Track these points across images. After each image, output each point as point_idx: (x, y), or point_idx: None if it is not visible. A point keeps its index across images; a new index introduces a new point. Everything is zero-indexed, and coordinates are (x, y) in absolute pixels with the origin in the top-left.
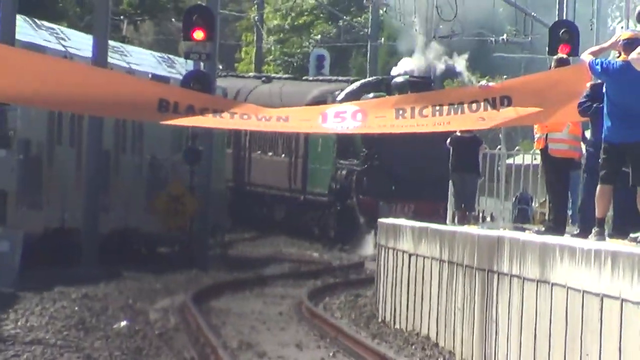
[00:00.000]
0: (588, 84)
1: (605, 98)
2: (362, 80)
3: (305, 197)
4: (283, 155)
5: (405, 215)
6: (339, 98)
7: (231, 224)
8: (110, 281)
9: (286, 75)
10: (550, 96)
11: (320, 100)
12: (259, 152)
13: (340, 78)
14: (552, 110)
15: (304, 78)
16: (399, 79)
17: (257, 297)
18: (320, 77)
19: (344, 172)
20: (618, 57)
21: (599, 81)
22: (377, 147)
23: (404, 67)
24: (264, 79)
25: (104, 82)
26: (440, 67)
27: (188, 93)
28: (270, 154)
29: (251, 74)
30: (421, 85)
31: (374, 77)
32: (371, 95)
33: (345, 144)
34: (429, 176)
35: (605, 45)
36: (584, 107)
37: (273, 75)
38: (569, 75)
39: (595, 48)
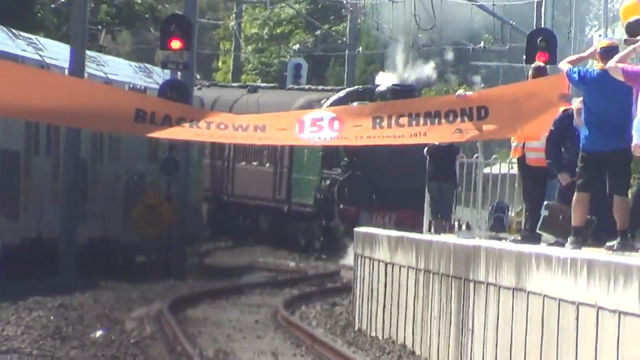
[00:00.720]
0: (574, 103)
1: (583, 107)
2: (348, 89)
3: (290, 207)
4: (268, 165)
5: (386, 224)
6: (325, 107)
7: (212, 234)
8: (86, 290)
9: (271, 85)
10: (527, 106)
11: (307, 109)
12: (244, 162)
13: (326, 87)
14: (528, 120)
15: (289, 87)
16: (382, 88)
17: (234, 306)
18: (307, 86)
19: (327, 182)
20: (596, 66)
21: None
22: (358, 156)
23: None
24: (249, 88)
25: (80, 92)
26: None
27: (165, 103)
28: (255, 163)
29: (236, 84)
30: (403, 93)
31: (360, 86)
32: (355, 104)
33: (330, 153)
34: (410, 185)
35: (584, 54)
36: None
37: (258, 84)
38: (547, 86)
39: (573, 57)
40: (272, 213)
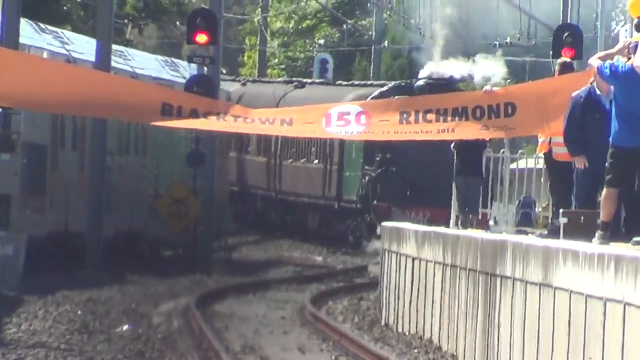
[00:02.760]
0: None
1: (613, 102)
2: (393, 83)
3: (340, 205)
4: (317, 161)
5: (420, 222)
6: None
7: (239, 228)
8: (113, 285)
9: (319, 80)
10: (554, 102)
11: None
12: (291, 159)
13: (375, 82)
14: (555, 116)
15: (337, 82)
16: (420, 82)
17: (261, 301)
18: (356, 82)
19: (367, 178)
20: (627, 61)
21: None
22: (392, 152)
23: (428, 70)
24: (296, 83)
25: (107, 86)
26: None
27: (191, 97)
28: (302, 160)
29: (281, 79)
30: (440, 87)
31: (403, 80)
32: (396, 98)
33: (371, 149)
34: (446, 182)
35: (613, 50)
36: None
37: (305, 80)
38: (574, 82)
39: (602, 53)
40: (322, 210)
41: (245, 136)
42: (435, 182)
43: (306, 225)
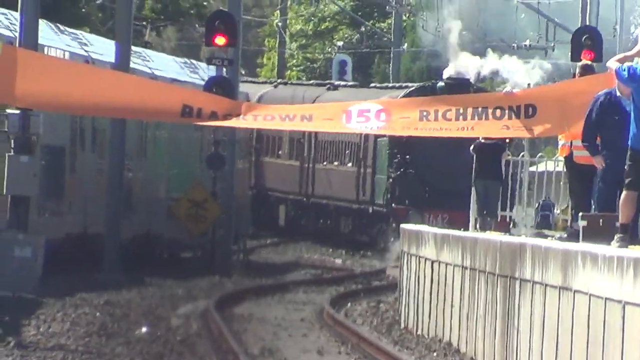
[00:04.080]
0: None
1: (632, 104)
2: (416, 85)
3: (374, 209)
4: (350, 164)
5: (438, 225)
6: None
7: (256, 230)
8: (132, 287)
9: (351, 83)
10: (575, 104)
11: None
12: (324, 162)
13: (409, 85)
14: (576, 119)
15: (371, 85)
16: (440, 84)
17: (279, 304)
18: (389, 84)
19: (390, 180)
20: None
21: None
22: (410, 153)
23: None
24: (329, 86)
25: (127, 87)
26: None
27: (212, 98)
28: (336, 164)
29: (313, 81)
30: (457, 87)
31: (429, 82)
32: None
33: (395, 152)
34: (465, 185)
35: (630, 53)
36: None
37: (338, 82)
38: (594, 84)
39: (620, 56)
40: (355, 215)
41: (277, 139)
42: (454, 184)
43: (339, 231)
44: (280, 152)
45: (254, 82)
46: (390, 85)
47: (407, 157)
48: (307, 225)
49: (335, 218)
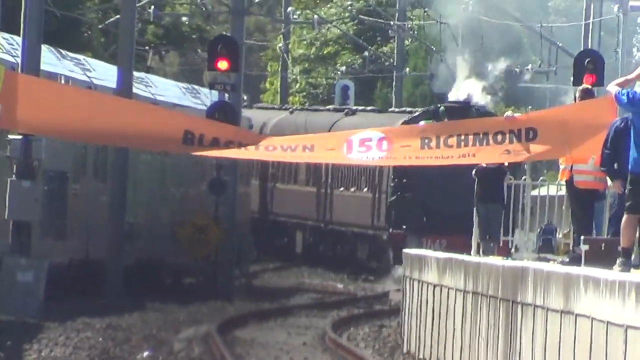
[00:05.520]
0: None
1: (632, 128)
2: (422, 109)
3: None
4: (366, 189)
5: (436, 250)
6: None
7: (259, 255)
8: (134, 311)
9: (370, 108)
10: (575, 128)
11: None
12: (342, 188)
13: (428, 109)
14: (577, 143)
15: (390, 110)
16: (441, 108)
17: (282, 328)
18: (408, 109)
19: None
20: None
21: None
22: (407, 177)
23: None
24: (347, 111)
25: (129, 113)
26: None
27: (214, 125)
28: (352, 189)
29: (330, 106)
30: (458, 110)
31: (432, 106)
32: (422, 123)
33: (391, 176)
34: (463, 209)
35: (631, 76)
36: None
37: (355, 107)
38: (595, 108)
39: (620, 79)
40: (371, 241)
41: (294, 165)
42: (452, 208)
43: (355, 257)
44: (296, 178)
45: (267, 108)
46: (408, 109)
47: (405, 180)
48: (325, 251)
49: (353, 244)
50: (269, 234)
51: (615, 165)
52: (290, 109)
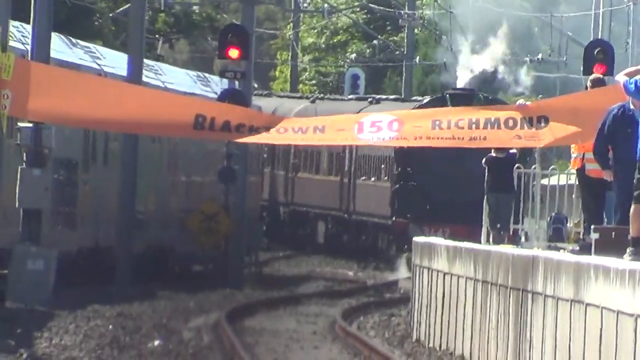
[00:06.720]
0: None
1: (639, 118)
2: (431, 97)
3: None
4: (385, 178)
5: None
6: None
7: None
8: (144, 300)
9: (393, 96)
10: (587, 116)
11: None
12: (363, 177)
13: (433, 97)
14: (589, 131)
15: (413, 98)
16: (447, 95)
17: (291, 316)
18: (429, 97)
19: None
20: None
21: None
22: (410, 165)
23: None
24: (371, 100)
25: (140, 99)
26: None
27: (224, 107)
28: (373, 179)
29: (353, 96)
30: (462, 97)
31: (440, 93)
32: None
33: (395, 163)
34: (466, 198)
35: None
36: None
37: (379, 96)
38: (605, 96)
39: (631, 69)
40: (390, 230)
41: (316, 154)
42: (456, 197)
43: (376, 247)
44: (319, 167)
45: (288, 97)
46: (429, 98)
47: (409, 169)
48: (349, 242)
49: (374, 234)
50: (290, 224)
51: (610, 153)
52: (312, 98)
